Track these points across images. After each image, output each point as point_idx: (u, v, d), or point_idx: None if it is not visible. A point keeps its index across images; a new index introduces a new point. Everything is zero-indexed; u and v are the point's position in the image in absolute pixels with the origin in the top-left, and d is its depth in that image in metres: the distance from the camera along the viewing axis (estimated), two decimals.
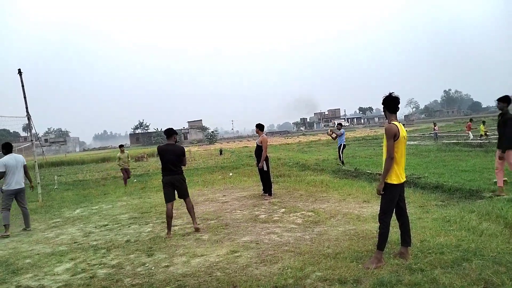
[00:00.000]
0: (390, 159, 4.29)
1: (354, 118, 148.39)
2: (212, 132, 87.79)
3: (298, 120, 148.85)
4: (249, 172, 15.29)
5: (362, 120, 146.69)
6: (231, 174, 15.46)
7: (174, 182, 6.78)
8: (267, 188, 9.73)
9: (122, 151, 15.55)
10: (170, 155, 6.72)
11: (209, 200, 9.89)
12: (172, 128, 7.02)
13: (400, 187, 4.46)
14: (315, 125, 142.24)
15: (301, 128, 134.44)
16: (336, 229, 6.09)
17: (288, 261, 4.76)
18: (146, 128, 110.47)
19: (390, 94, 4.47)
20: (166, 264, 5.10)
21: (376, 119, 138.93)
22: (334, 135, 15.47)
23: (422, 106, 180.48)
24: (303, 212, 7.54)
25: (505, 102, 7.19)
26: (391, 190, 4.35)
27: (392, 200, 4.39)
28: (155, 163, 24.80)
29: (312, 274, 4.26)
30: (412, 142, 23.77)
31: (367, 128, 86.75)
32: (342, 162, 14.62)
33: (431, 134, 28.70)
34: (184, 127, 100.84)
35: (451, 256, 4.37)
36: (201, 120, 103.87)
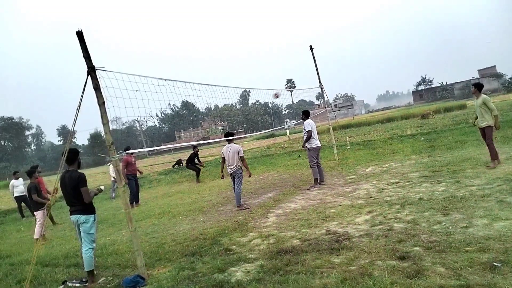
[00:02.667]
0: None
1: None
2: (510, 78, 73.31)
3: None
4: None
5: None
6: None
7: None
8: None
9: None
10: None
11: None
12: None
13: None
14: None
15: None
16: None
17: None
18: (429, 84, 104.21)
19: None
20: (464, 224, 4.86)
21: None
22: None
23: None
24: None
25: None
26: None
27: None
28: (442, 120, 23.25)
29: None
30: None
31: None
32: None
33: None
34: (473, 77, 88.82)
35: None
36: (494, 66, 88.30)
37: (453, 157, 10.03)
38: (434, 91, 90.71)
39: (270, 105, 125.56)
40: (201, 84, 7.37)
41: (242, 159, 8.82)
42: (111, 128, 5.08)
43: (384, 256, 4.30)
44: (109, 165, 17.25)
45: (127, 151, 9.92)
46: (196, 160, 16.71)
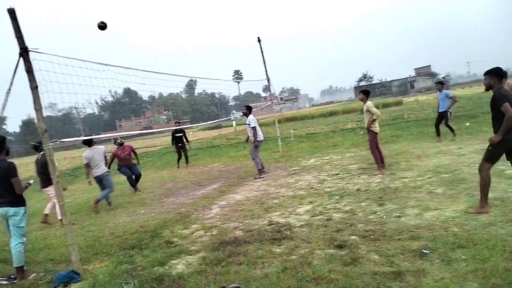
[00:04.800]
0: None
1: None
2: (443, 77, 78.89)
3: None
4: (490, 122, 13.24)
5: None
6: (467, 124, 13.79)
7: None
8: None
9: None
10: None
11: (442, 152, 9.19)
12: None
13: None
14: None
15: None
16: None
17: None
18: (370, 80, 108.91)
19: None
20: (398, 214, 5.15)
21: None
22: None
23: None
24: None
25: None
26: None
27: None
28: (380, 115, 24.41)
29: None
30: None
31: None
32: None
33: None
34: (410, 75, 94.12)
35: None
36: (429, 65, 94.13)
37: (389, 150, 10.59)
38: (373, 87, 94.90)
39: (217, 95, 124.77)
40: (144, 71, 7.04)
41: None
42: (45, 114, 4.73)
43: (323, 245, 4.44)
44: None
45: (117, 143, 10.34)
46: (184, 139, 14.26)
